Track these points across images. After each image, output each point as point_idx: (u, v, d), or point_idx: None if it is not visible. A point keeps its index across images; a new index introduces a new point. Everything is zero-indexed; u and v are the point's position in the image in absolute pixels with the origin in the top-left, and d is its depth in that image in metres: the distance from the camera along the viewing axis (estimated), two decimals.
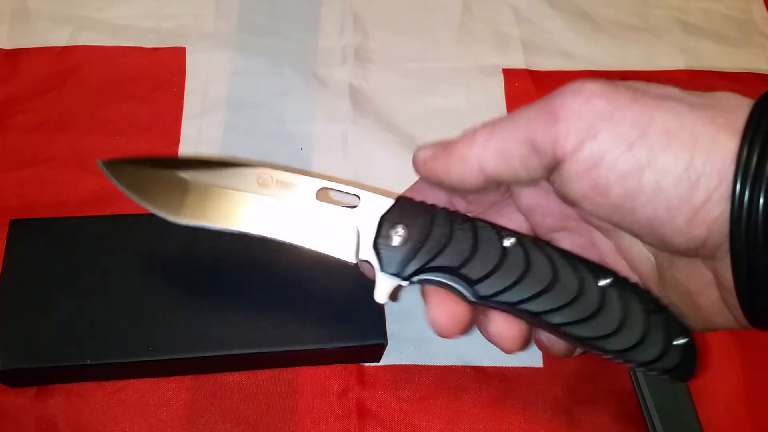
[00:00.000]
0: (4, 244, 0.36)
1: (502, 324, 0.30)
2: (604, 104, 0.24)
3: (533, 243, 0.29)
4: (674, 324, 0.28)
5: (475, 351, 0.40)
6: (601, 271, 0.29)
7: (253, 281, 0.37)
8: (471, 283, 0.29)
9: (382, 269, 0.29)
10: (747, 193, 0.22)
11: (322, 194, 0.31)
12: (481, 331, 0.31)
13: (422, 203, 0.30)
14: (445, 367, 0.39)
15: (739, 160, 0.22)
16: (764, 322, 0.25)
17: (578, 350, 0.32)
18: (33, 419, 0.36)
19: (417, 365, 0.39)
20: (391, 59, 0.50)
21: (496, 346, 0.30)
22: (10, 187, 0.42)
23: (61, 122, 0.45)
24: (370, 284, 0.30)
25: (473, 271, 0.28)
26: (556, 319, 0.28)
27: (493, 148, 0.27)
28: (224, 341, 0.35)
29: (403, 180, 0.33)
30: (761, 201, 0.22)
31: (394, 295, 0.31)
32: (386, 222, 0.29)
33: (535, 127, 0.26)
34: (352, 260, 0.30)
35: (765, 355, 0.41)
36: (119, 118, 0.45)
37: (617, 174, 0.24)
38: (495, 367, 0.39)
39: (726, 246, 0.23)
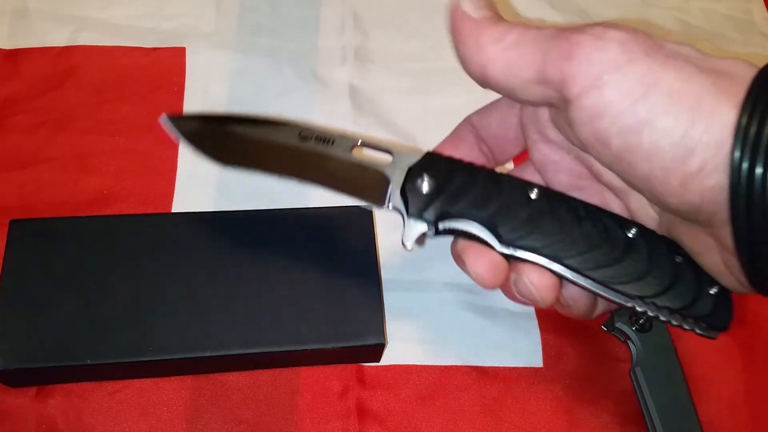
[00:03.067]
0: (4, 244, 0.36)
1: (534, 275, 0.30)
2: (617, 55, 0.24)
3: (557, 194, 0.30)
4: (704, 274, 0.28)
5: (475, 351, 0.40)
6: (627, 222, 0.29)
7: (253, 281, 0.37)
8: (496, 227, 0.30)
9: (408, 213, 0.31)
10: (746, 164, 0.22)
11: (358, 150, 0.33)
12: (511, 292, 0.31)
13: (449, 157, 0.32)
14: (445, 367, 0.39)
15: (737, 130, 0.22)
16: (766, 288, 0.25)
17: (599, 309, 0.32)
18: (33, 419, 0.36)
19: (417, 365, 0.39)
20: (391, 59, 0.50)
21: (529, 299, 0.30)
22: (10, 187, 0.42)
23: (61, 122, 0.45)
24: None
25: (498, 214, 0.30)
26: (579, 263, 0.29)
27: (507, 60, 0.27)
28: (224, 341, 0.35)
29: None
30: (758, 171, 0.22)
31: (421, 240, 0.32)
32: (414, 172, 0.31)
33: (550, 57, 0.26)
34: (382, 208, 0.32)
35: (765, 355, 0.41)
36: (119, 118, 0.45)
37: (618, 127, 0.24)
38: (495, 367, 0.39)
39: (722, 215, 0.23)
